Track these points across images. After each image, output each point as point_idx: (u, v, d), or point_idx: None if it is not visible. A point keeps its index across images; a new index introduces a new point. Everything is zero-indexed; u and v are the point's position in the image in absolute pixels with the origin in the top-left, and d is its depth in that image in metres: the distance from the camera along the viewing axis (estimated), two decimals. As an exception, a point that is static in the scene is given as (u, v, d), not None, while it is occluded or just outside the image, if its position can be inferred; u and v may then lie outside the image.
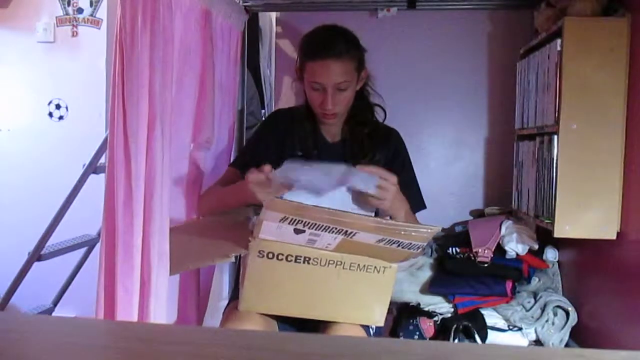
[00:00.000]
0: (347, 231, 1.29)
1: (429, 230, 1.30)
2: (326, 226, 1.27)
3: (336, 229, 1.28)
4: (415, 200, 1.75)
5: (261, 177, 1.42)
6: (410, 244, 1.31)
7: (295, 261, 1.35)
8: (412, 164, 1.78)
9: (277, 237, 1.32)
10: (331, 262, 1.37)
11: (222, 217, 1.72)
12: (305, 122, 1.72)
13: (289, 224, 1.27)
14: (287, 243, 1.33)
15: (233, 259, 1.42)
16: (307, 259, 1.35)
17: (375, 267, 1.39)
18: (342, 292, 1.41)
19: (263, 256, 1.34)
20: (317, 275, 1.38)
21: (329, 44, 1.57)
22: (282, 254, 1.34)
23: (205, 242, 1.60)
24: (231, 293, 1.75)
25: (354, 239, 1.30)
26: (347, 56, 1.58)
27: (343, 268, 1.38)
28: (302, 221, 1.27)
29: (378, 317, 1.47)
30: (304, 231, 1.29)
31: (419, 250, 1.35)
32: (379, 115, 1.78)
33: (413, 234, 1.29)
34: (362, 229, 1.28)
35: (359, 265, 1.38)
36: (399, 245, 1.31)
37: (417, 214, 1.75)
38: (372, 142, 1.71)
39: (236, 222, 1.59)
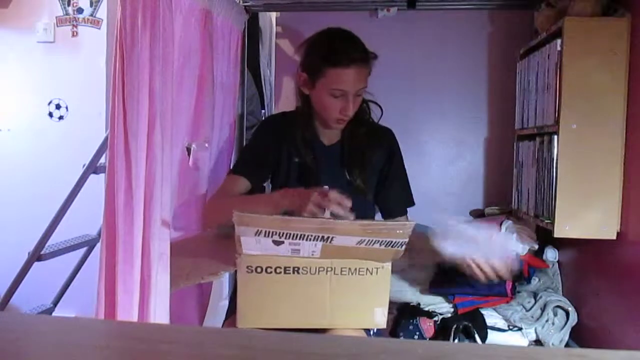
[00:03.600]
0: (324, 237, 1.28)
1: (405, 226, 1.29)
2: (301, 234, 1.27)
3: (312, 236, 1.27)
4: (406, 197, 1.79)
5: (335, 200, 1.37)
6: (391, 241, 1.30)
7: (285, 272, 1.34)
8: (403, 162, 1.80)
9: (261, 251, 1.31)
10: (321, 269, 1.35)
11: (216, 233, 1.71)
12: (301, 126, 1.70)
13: (265, 236, 1.27)
14: (272, 255, 1.32)
15: (222, 277, 1.41)
16: (296, 269, 1.34)
17: (367, 269, 1.38)
18: (337, 298, 1.39)
19: (252, 271, 1.33)
20: (310, 284, 1.36)
21: (353, 50, 1.55)
22: (271, 267, 1.33)
23: (196, 260, 1.59)
24: (228, 307, 1.74)
25: (333, 243, 1.30)
26: (367, 63, 1.58)
27: (334, 274, 1.36)
28: (277, 232, 1.26)
29: (379, 319, 1.45)
30: (282, 242, 1.29)
31: (403, 248, 1.34)
32: (374, 113, 1.78)
33: (398, 231, 1.29)
34: (337, 232, 1.28)
35: (350, 269, 1.36)
36: (380, 244, 1.31)
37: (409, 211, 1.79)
38: (369, 143, 1.71)
39: (228, 237, 1.59)
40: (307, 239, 1.28)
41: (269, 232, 1.26)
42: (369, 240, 1.29)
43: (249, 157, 1.75)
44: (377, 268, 1.38)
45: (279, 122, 1.77)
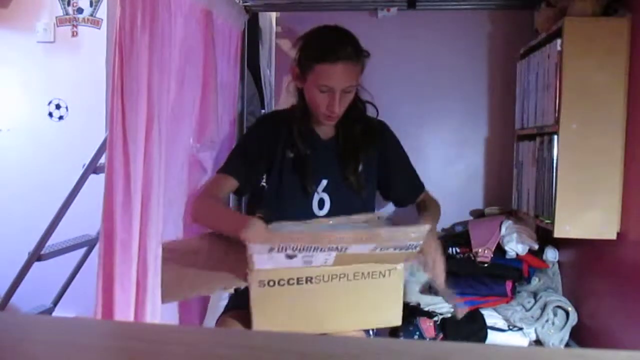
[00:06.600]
0: (338, 247, 1.27)
1: (420, 230, 1.29)
2: (316, 247, 1.25)
3: (326, 247, 1.26)
4: (415, 183, 1.83)
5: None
6: (406, 245, 1.29)
7: (298, 283, 1.31)
8: (404, 150, 1.83)
9: (273, 265, 1.28)
10: (334, 276, 1.33)
11: (221, 241, 1.68)
12: (298, 122, 1.70)
13: (278, 252, 1.25)
14: (284, 268, 1.30)
15: (232, 291, 1.39)
16: (308, 278, 1.32)
17: (380, 272, 1.36)
18: (352, 303, 1.38)
19: (264, 285, 1.31)
20: (324, 293, 1.34)
21: (341, 47, 1.56)
22: (283, 279, 1.31)
23: (203, 271, 1.54)
24: (228, 302, 1.72)
25: (347, 252, 1.29)
26: (357, 61, 1.59)
27: (347, 280, 1.34)
28: (290, 247, 1.24)
29: (394, 318, 1.44)
30: (295, 255, 1.27)
31: (417, 249, 1.33)
32: (369, 111, 1.79)
33: (412, 234, 1.28)
34: (352, 242, 1.27)
35: (362, 273, 1.34)
36: (395, 249, 1.30)
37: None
38: (365, 137, 1.72)
39: (236, 245, 1.55)
40: (320, 251, 1.26)
41: (282, 247, 1.24)
42: (383, 246, 1.28)
43: (238, 157, 1.74)
44: (389, 270, 1.37)
45: (274, 119, 1.79)
